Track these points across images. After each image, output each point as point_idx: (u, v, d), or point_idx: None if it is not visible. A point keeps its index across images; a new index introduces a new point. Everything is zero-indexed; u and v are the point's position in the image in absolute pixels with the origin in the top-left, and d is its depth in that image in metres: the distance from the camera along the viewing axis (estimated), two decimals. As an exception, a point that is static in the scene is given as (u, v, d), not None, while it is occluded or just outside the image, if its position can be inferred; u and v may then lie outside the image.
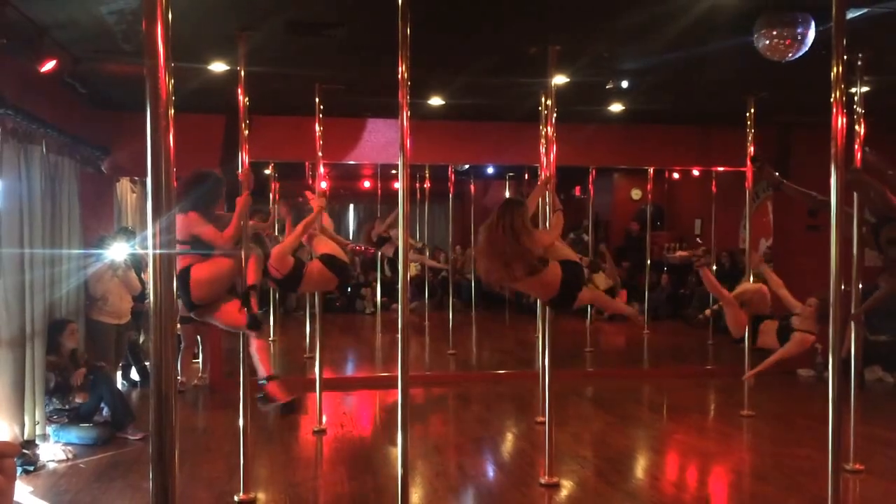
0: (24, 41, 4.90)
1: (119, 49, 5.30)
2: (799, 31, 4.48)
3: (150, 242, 1.89)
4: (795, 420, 6.80)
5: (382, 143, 8.40)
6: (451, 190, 10.47)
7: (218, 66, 5.85)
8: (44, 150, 5.80)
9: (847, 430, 5.16)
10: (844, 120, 3.41)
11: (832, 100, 3.40)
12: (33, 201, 5.52)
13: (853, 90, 5.47)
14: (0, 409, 5.13)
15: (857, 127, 5.47)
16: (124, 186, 9.05)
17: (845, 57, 3.39)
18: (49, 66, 5.19)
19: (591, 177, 10.22)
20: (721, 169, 10.01)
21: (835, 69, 3.38)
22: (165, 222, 1.90)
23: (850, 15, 4.33)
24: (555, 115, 5.29)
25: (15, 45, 4.84)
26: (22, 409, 5.35)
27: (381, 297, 11.73)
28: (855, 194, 5.14)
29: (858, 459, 5.31)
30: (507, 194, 13.47)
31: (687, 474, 5.67)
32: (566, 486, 5.06)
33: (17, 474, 4.12)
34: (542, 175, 5.36)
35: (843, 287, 3.50)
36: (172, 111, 1.88)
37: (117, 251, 7.10)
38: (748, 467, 5.74)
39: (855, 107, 5.50)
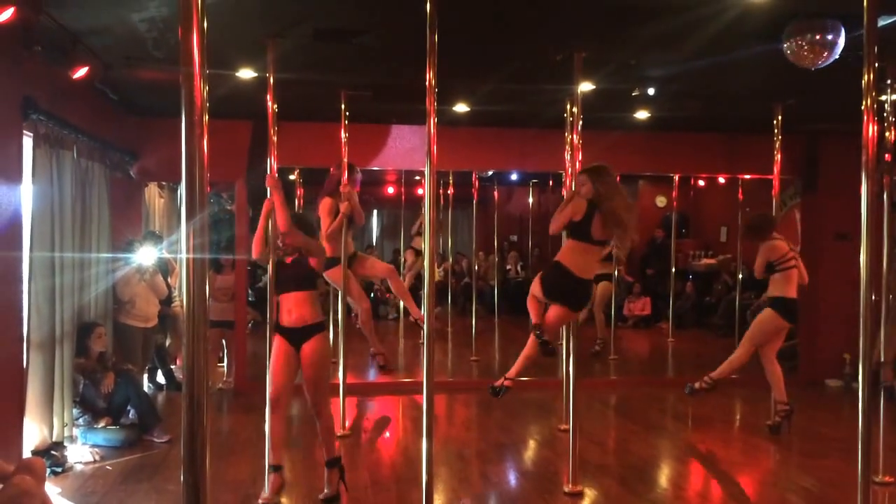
0: (58, 48, 4.99)
1: (150, 56, 5.38)
2: (829, 38, 4.44)
3: (182, 247, 1.91)
4: (823, 431, 6.72)
5: (407, 148, 8.43)
6: (476, 196, 10.47)
7: (246, 73, 5.91)
8: (75, 154, 5.88)
9: (876, 442, 5.10)
10: (875, 128, 3.38)
11: (863, 107, 3.37)
12: (64, 205, 5.61)
13: (883, 98, 5.41)
14: (29, 411, 5.20)
15: (887, 135, 5.41)
16: (152, 191, 9.17)
17: (876, 64, 3.35)
18: (81, 72, 5.27)
19: (616, 184, 10.16)
20: (748, 176, 9.94)
21: (866, 77, 3.34)
22: (198, 226, 1.92)
23: (882, 22, 4.29)
24: (580, 122, 5.28)
25: (49, 52, 4.93)
26: (51, 411, 5.42)
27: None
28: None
29: (888, 472, 5.24)
30: (531, 201, 13.49)
31: (712, 485, 5.62)
32: (590, 495, 5.04)
33: (46, 476, 4.14)
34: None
35: (872, 297, 3.46)
36: (207, 118, 1.90)
37: (145, 255, 7.19)
38: (774, 479, 5.68)
39: (885, 114, 5.44)
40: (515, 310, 12.93)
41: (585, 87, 6.07)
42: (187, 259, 1.91)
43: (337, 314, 6.79)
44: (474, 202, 10.55)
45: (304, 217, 5.28)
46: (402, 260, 12.42)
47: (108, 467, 5.51)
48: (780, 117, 6.84)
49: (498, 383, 5.58)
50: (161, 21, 4.63)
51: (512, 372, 5.58)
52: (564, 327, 5.59)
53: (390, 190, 13.55)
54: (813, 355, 8.92)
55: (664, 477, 5.67)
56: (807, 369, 8.93)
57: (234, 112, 7.30)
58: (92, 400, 6.08)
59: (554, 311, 5.34)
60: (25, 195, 5.08)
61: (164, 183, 9.28)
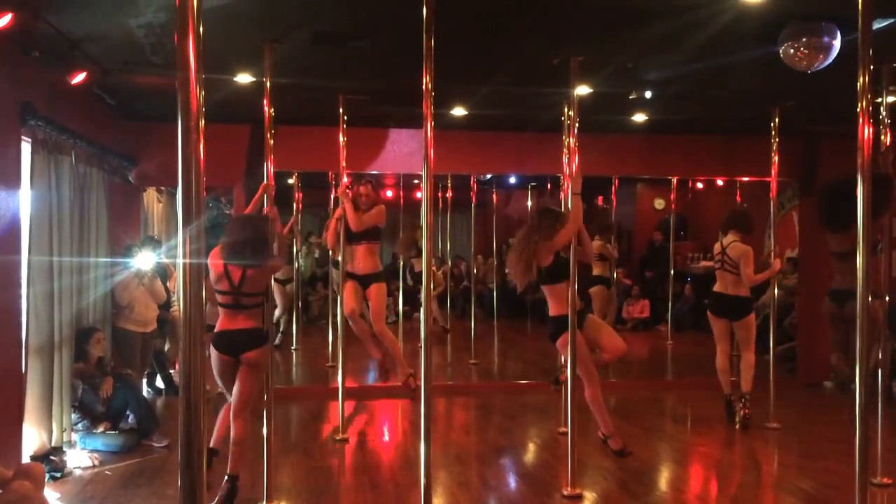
0: (56, 54, 5.00)
1: (148, 61, 5.39)
2: (825, 40, 4.46)
3: (179, 252, 1.92)
4: (821, 433, 6.72)
5: (405, 152, 8.43)
6: (474, 199, 10.49)
7: (244, 78, 5.92)
8: (73, 160, 5.89)
9: (874, 444, 5.10)
10: (871, 130, 3.39)
11: (858, 110, 3.38)
12: (62, 211, 5.61)
13: (879, 100, 5.42)
14: (28, 416, 5.20)
15: (883, 137, 5.43)
16: (150, 196, 9.18)
17: (871, 67, 3.36)
18: (79, 78, 5.29)
19: (613, 186, 10.19)
20: (746, 179, 9.95)
21: (861, 79, 3.35)
22: (195, 232, 1.93)
23: (877, 25, 4.30)
24: (577, 125, 5.30)
25: (47, 58, 4.94)
26: (50, 416, 5.42)
27: (403, 305, 11.75)
28: None
29: (886, 473, 5.24)
30: (530, 204, 13.50)
31: (711, 487, 5.62)
32: (589, 498, 5.04)
33: (45, 481, 4.14)
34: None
35: (870, 298, 3.46)
36: (203, 122, 1.91)
37: (143, 260, 7.19)
38: (773, 481, 5.69)
39: (881, 117, 5.45)
40: (514, 313, 12.96)
41: (582, 90, 6.09)
42: (184, 264, 1.92)
43: (336, 317, 6.80)
44: (473, 205, 10.56)
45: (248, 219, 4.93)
46: (401, 265, 12.42)
47: (107, 472, 5.51)
48: (777, 119, 6.85)
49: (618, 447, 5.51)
50: (158, 26, 4.64)
51: (604, 427, 5.51)
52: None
53: (389, 193, 13.56)
54: (811, 357, 8.92)
55: (663, 480, 5.67)
56: (805, 371, 8.93)
57: (233, 116, 7.31)
58: (91, 405, 6.08)
59: None
60: (24, 200, 5.08)
61: (162, 188, 9.29)
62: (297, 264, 10.91)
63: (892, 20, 4.42)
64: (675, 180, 10.83)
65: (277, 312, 10.57)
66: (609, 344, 5.45)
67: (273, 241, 4.77)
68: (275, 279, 9.74)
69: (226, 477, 4.69)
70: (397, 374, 6.59)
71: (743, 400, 6.84)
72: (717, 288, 7.00)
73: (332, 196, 7.19)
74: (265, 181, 4.96)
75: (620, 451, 5.38)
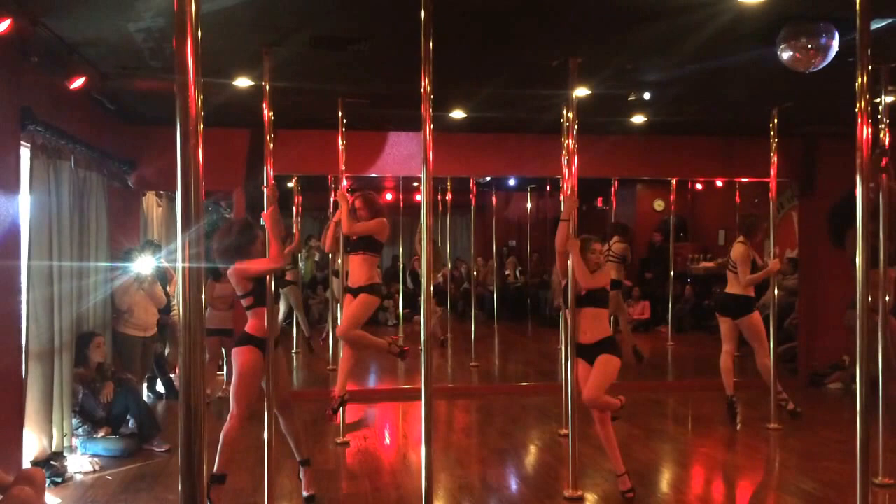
0: (55, 59, 5.00)
1: (146, 65, 5.40)
2: (823, 41, 4.46)
3: (179, 256, 1.92)
4: (823, 433, 6.72)
5: (405, 155, 8.44)
6: (474, 202, 10.50)
7: (243, 82, 5.93)
8: (72, 165, 5.89)
9: (875, 444, 5.09)
10: (870, 130, 3.39)
11: (857, 110, 3.39)
12: (62, 215, 5.61)
13: (878, 100, 5.43)
14: (29, 421, 5.19)
15: (882, 136, 5.43)
16: (150, 200, 9.19)
17: (870, 67, 3.37)
18: (78, 82, 5.29)
19: (613, 188, 10.20)
20: (745, 179, 9.94)
21: (860, 79, 3.36)
22: (194, 236, 1.93)
23: (875, 25, 4.31)
24: (576, 126, 5.30)
25: (46, 63, 4.94)
26: (50, 421, 5.42)
27: (404, 308, 11.76)
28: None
29: (887, 473, 5.23)
30: (529, 206, 13.52)
31: (713, 488, 5.62)
32: (590, 500, 5.04)
33: (46, 486, 4.13)
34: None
35: (869, 299, 3.46)
36: (202, 127, 1.91)
37: (143, 264, 7.19)
38: (775, 481, 5.68)
39: (880, 116, 5.46)
40: (515, 315, 12.97)
41: (581, 92, 6.09)
42: (184, 268, 1.92)
43: (337, 321, 6.80)
44: (472, 208, 10.57)
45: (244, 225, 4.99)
46: (402, 267, 12.43)
47: (107, 477, 5.51)
48: (776, 120, 6.86)
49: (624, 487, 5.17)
50: (157, 31, 4.65)
51: (613, 465, 5.22)
52: (564, 331, 5.56)
53: (388, 196, 13.56)
54: (813, 357, 8.92)
55: (665, 481, 5.67)
56: (806, 371, 8.92)
57: (232, 121, 7.31)
58: (91, 410, 6.08)
59: None
60: (23, 205, 5.08)
61: (161, 192, 9.29)
62: (297, 267, 10.92)
63: (890, 20, 4.43)
64: (674, 181, 10.84)
65: (281, 316, 10.58)
66: (588, 387, 5.05)
67: (253, 243, 4.76)
68: (285, 281, 9.77)
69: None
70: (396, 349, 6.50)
71: (780, 396, 7.04)
72: (725, 289, 7.22)
73: (332, 199, 7.21)
74: (265, 185, 4.95)
75: (623, 492, 5.16)
